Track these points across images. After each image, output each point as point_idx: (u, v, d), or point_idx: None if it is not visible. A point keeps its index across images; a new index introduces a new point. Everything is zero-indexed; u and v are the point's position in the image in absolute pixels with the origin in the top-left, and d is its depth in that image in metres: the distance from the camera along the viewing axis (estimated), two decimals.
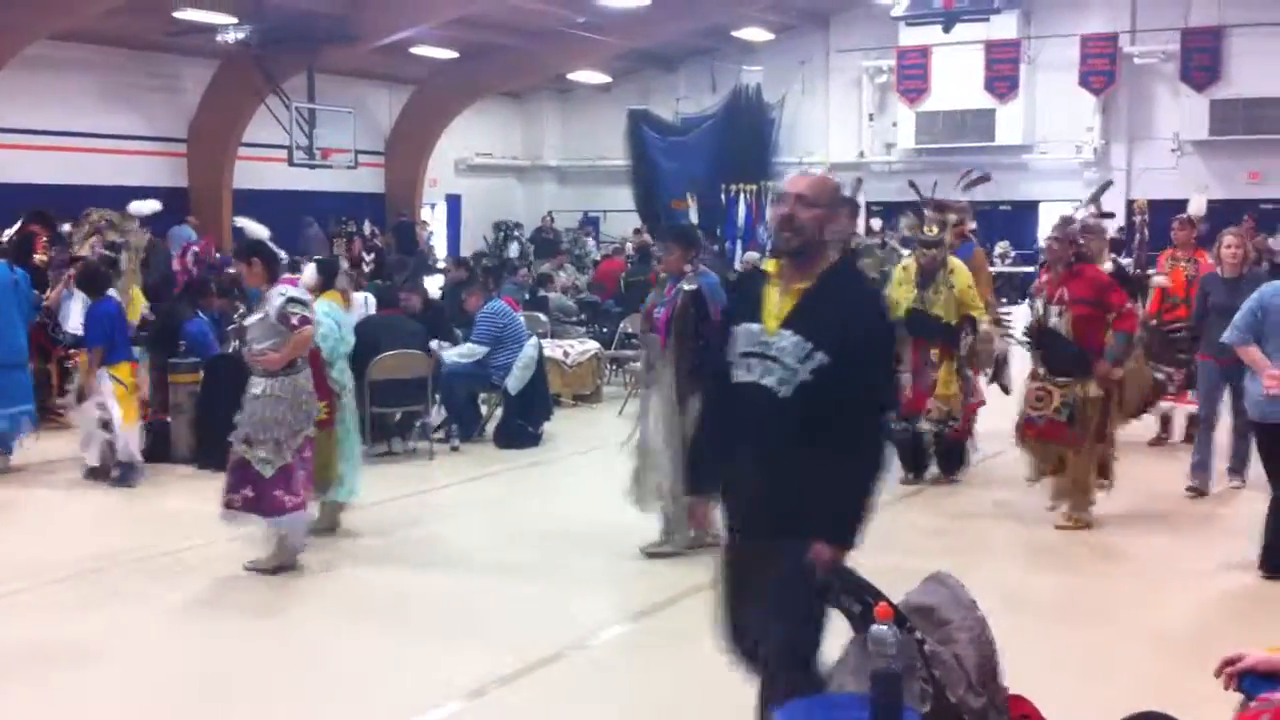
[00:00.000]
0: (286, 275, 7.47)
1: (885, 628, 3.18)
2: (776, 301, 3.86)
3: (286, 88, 22.44)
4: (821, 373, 3.74)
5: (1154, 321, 9.79)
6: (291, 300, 7.05)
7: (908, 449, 9.13)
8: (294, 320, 7.00)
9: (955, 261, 9.02)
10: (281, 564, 7.10)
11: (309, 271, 8.52)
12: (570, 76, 28.96)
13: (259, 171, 23.39)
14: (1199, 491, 8.71)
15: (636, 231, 27.09)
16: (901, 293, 8.94)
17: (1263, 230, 18.26)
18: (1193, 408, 9.59)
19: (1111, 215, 10.68)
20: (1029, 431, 8.07)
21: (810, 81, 28.40)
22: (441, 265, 20.63)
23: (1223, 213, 15.77)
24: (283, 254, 8.04)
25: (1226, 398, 8.79)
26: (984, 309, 9.05)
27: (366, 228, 21.48)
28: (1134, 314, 8.38)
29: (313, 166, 22.98)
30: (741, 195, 24.38)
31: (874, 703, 3.15)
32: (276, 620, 6.47)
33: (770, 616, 3.77)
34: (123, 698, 5.39)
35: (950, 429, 9.02)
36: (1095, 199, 9.61)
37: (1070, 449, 7.93)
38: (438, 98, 26.85)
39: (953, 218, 9.17)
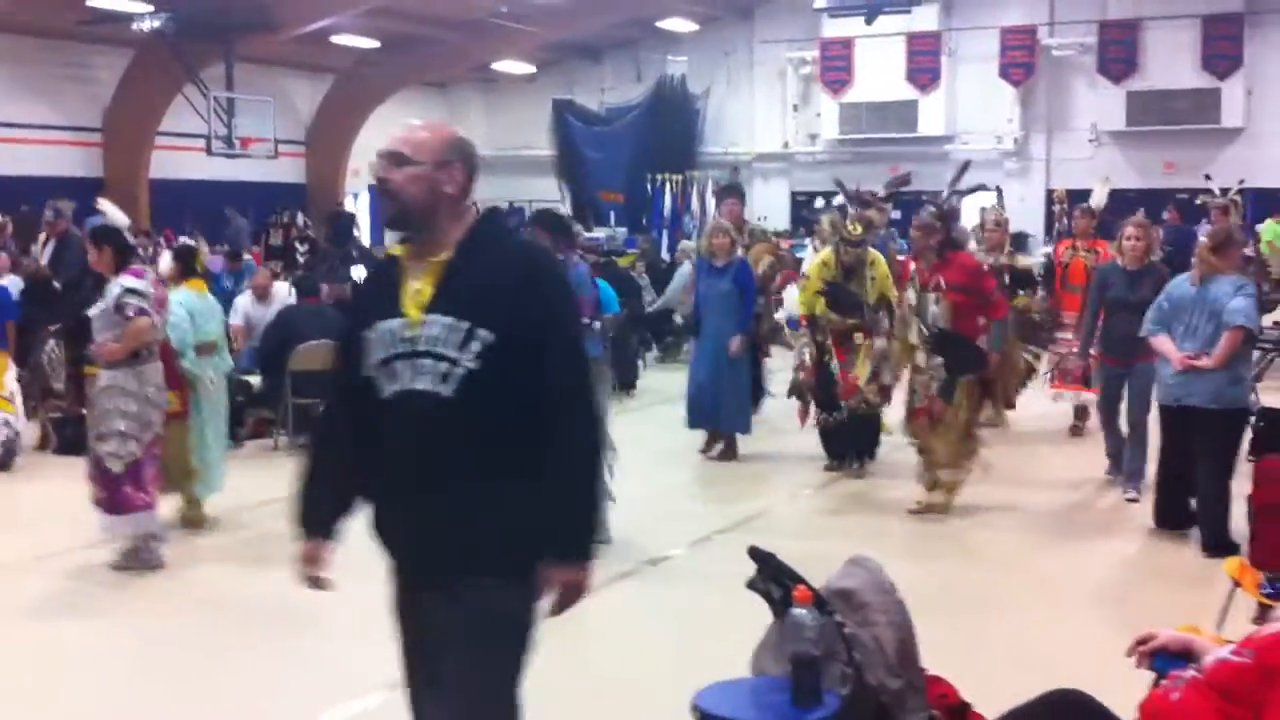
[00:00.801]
0: (134, 266, 7.17)
1: (804, 611, 3.19)
2: (414, 288, 3.16)
3: (205, 76, 22.09)
4: (490, 356, 3.06)
5: (1018, 304, 10.00)
6: (128, 291, 6.88)
7: (834, 436, 9.25)
8: (129, 311, 6.82)
9: (874, 253, 9.19)
10: (143, 562, 6.96)
11: (165, 259, 8.37)
12: (494, 67, 28.79)
13: (177, 161, 23.01)
14: (1136, 498, 8.27)
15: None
16: (814, 287, 9.18)
17: (1188, 221, 18.50)
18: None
19: (970, 191, 10.75)
20: (920, 416, 8.05)
21: (735, 72, 28.47)
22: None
23: (1139, 202, 15.99)
24: (198, 243, 7.90)
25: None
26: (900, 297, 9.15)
27: (300, 218, 21.20)
28: (1004, 300, 8.57)
29: (232, 156, 22.66)
30: (667, 185, 24.39)
31: (794, 685, 3.16)
32: (178, 621, 6.36)
33: (454, 688, 3.15)
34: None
35: (865, 409, 9.05)
36: (955, 182, 9.38)
37: (939, 423, 7.93)
38: (359, 87, 26.57)
39: (875, 217, 9.22)
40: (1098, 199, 10.80)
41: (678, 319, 14.87)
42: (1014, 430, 10.24)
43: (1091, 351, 8.84)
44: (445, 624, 3.15)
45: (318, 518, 3.33)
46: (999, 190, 12.64)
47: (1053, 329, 10.15)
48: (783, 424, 10.29)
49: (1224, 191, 10.15)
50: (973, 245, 10.57)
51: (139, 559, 6.97)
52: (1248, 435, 6.95)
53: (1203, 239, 8.44)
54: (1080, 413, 10.48)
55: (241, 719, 5.14)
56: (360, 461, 3.22)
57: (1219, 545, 6.84)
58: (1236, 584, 4.63)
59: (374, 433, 3.17)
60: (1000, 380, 8.66)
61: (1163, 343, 7.24)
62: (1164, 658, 3.07)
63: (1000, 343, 8.36)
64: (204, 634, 6.08)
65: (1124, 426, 8.55)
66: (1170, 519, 7.47)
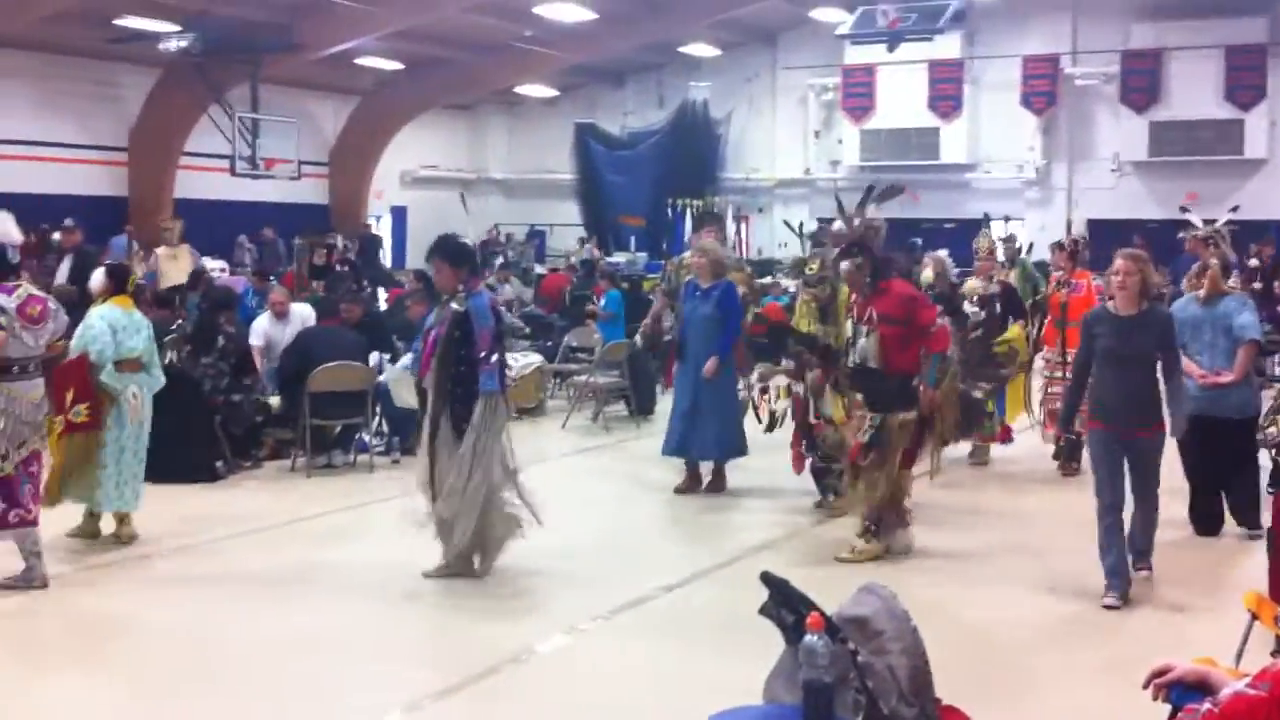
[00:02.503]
0: (4, 284, 7.03)
1: (817, 638, 3.16)
2: None
3: (230, 97, 22.23)
4: None
5: (973, 335, 9.40)
6: None
7: (823, 473, 8.81)
8: None
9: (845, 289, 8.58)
10: (25, 581, 6.86)
11: (97, 276, 8.37)
12: (517, 90, 28.92)
13: (201, 181, 23.15)
14: (1116, 604, 6.75)
15: (582, 241, 27.15)
16: (803, 325, 8.81)
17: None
18: None
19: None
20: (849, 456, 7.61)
21: (757, 98, 28.53)
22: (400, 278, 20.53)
23: (1161, 233, 15.96)
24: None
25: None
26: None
27: (339, 241, 21.29)
28: (946, 332, 7.75)
29: (255, 177, 22.77)
30: (688, 210, 24.43)
31: (806, 713, 3.13)
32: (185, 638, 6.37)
33: None
34: None
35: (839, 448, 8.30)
36: (863, 204, 8.55)
37: (863, 471, 7.44)
38: (383, 109, 26.71)
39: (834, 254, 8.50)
40: (1076, 231, 10.73)
41: None
42: (1000, 469, 10.07)
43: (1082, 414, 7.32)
44: None
45: None
46: (986, 216, 12.45)
47: (1008, 364, 9.63)
48: (763, 458, 9.71)
49: (1208, 223, 10.12)
50: (1013, 275, 10.53)
51: (23, 578, 6.88)
52: (1267, 466, 6.99)
53: (1213, 263, 8.35)
54: (1069, 448, 9.94)
55: None
56: None
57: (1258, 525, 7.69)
58: (1254, 617, 4.58)
59: None
60: (939, 420, 7.86)
61: (1185, 364, 7.53)
62: (1180, 690, 3.04)
63: (936, 378, 7.56)
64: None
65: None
66: (1207, 524, 8.13)
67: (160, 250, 15.49)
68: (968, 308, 9.78)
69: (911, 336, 7.41)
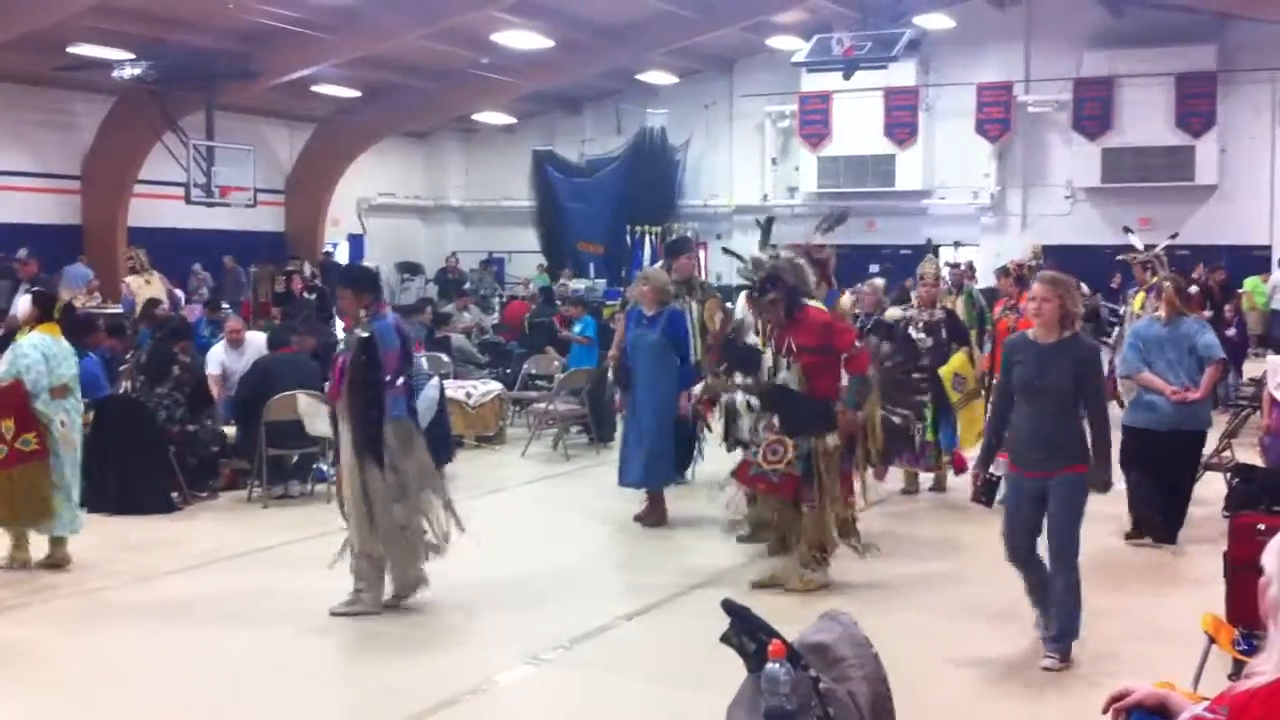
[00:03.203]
0: None
1: (778, 665, 3.16)
2: None
3: (185, 124, 22.13)
4: None
5: (888, 362, 8.98)
6: None
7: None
8: None
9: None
10: None
11: (24, 303, 8.37)
12: (474, 117, 28.92)
13: (155, 209, 23.01)
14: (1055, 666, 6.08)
15: (541, 269, 27.15)
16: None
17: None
18: None
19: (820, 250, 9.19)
20: (759, 484, 7.43)
21: (714, 125, 28.66)
22: None
23: (1115, 259, 16.09)
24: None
25: None
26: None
27: (306, 268, 21.20)
28: (865, 355, 7.63)
29: (210, 205, 22.66)
30: (647, 237, 24.48)
31: None
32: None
33: None
34: None
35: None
36: (822, 230, 8.83)
37: (804, 505, 7.29)
38: (339, 137, 26.65)
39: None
40: (1021, 256, 10.64)
41: None
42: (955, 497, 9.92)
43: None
44: None
45: None
46: (929, 242, 12.48)
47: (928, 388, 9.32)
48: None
49: (1148, 248, 10.31)
50: (959, 303, 10.51)
51: None
52: (1223, 491, 7.12)
53: (1167, 285, 8.73)
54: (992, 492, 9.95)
55: None
56: None
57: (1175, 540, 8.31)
58: (1212, 640, 4.62)
59: None
60: (862, 444, 7.69)
61: (1148, 379, 8.27)
62: (1140, 714, 3.05)
63: (855, 399, 7.42)
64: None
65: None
66: (1143, 529, 8.49)
67: (130, 279, 15.67)
68: (914, 334, 9.64)
69: (832, 363, 7.35)
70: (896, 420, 8.17)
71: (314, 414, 9.59)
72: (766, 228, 8.49)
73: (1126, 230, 11.41)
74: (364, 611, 6.92)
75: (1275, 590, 2.81)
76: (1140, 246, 10.09)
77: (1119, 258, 10.10)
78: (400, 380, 6.93)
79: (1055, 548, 6.01)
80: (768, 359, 7.46)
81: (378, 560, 6.95)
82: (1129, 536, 8.55)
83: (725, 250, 9.45)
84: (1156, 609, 7.15)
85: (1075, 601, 6.05)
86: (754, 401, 7.71)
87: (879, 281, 11.13)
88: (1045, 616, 6.15)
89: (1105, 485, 6.11)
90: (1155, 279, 13.04)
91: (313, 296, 18.86)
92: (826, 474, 7.26)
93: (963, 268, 17.08)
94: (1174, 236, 13.07)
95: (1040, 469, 5.95)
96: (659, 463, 9.26)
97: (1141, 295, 13.39)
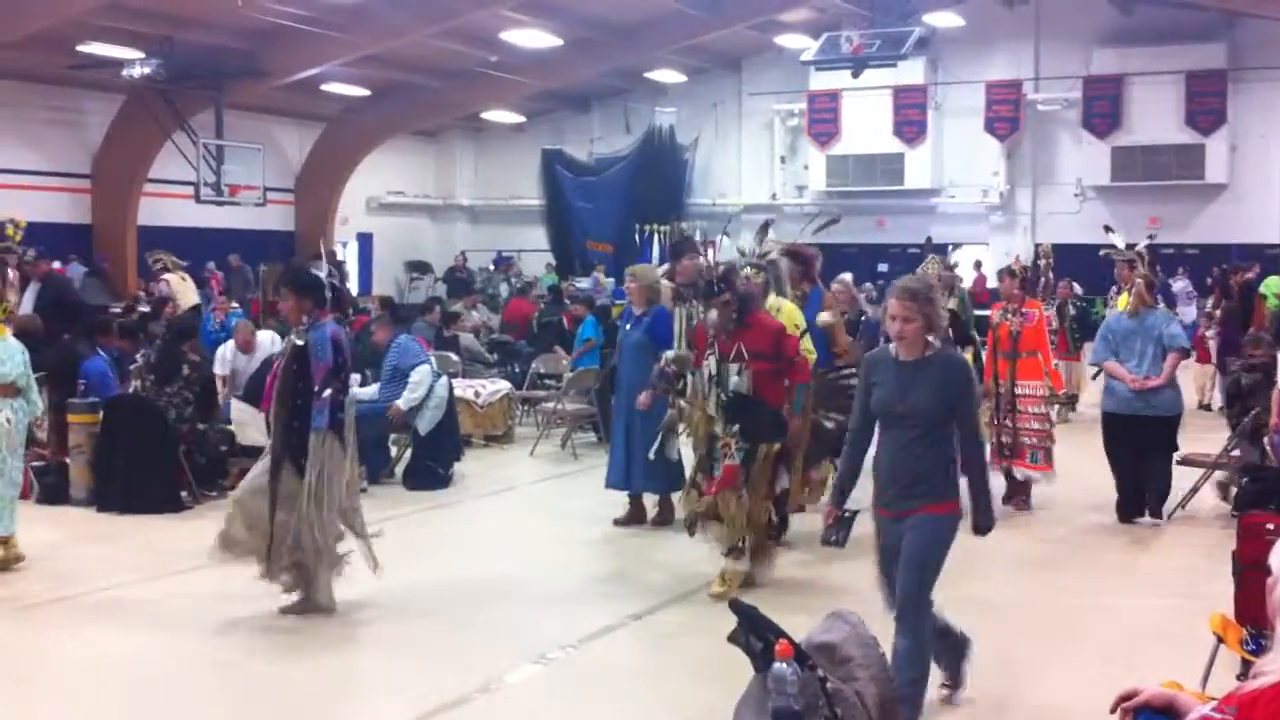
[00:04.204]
0: None
1: (785, 665, 3.16)
2: None
3: (194, 123, 22.20)
4: None
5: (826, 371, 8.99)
6: None
7: None
8: None
9: (782, 303, 8.26)
10: None
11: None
12: (484, 116, 28.97)
13: (165, 208, 23.08)
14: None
15: (550, 267, 27.17)
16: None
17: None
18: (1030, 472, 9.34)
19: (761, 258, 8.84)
20: (711, 489, 7.20)
21: (723, 123, 28.68)
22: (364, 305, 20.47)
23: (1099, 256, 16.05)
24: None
25: None
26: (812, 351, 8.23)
27: (325, 265, 21.20)
28: (806, 363, 7.51)
29: (220, 203, 22.72)
30: (655, 235, 24.49)
31: None
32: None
33: None
34: None
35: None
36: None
37: (738, 491, 7.08)
38: (349, 135, 26.70)
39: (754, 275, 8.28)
40: (1025, 258, 10.53)
41: None
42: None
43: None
44: None
45: None
46: (929, 240, 12.40)
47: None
48: None
49: (1130, 246, 10.32)
50: (952, 302, 10.38)
51: None
52: (1232, 491, 7.14)
53: (1139, 281, 9.22)
54: (1018, 485, 9.55)
55: None
56: None
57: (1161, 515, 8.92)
58: (1220, 640, 4.62)
59: None
60: (798, 450, 7.57)
61: (1115, 367, 8.96)
62: (1148, 714, 3.05)
63: (801, 407, 7.30)
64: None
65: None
66: (1132, 512, 9.00)
67: (168, 276, 16.27)
68: None
69: (782, 369, 7.19)
70: (829, 425, 8.01)
71: (245, 422, 9.46)
72: (762, 230, 8.53)
73: (1107, 229, 11.36)
74: (313, 609, 6.82)
75: None
76: (1121, 245, 10.05)
77: (1101, 252, 10.03)
78: (327, 392, 6.68)
79: (900, 601, 4.99)
80: (711, 366, 7.19)
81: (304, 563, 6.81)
82: (1121, 518, 9.05)
83: (740, 251, 9.22)
84: (1163, 608, 7.15)
85: (920, 673, 4.98)
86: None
87: (847, 277, 10.97)
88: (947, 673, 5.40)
89: (983, 527, 5.20)
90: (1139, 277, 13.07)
91: (331, 295, 18.86)
92: (758, 474, 7.11)
93: (955, 269, 17.02)
94: (1152, 237, 13.24)
95: (898, 507, 5.06)
96: (644, 466, 8.76)
97: (1125, 296, 13.37)
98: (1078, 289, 15.61)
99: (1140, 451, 8.98)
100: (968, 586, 7.67)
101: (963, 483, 5.10)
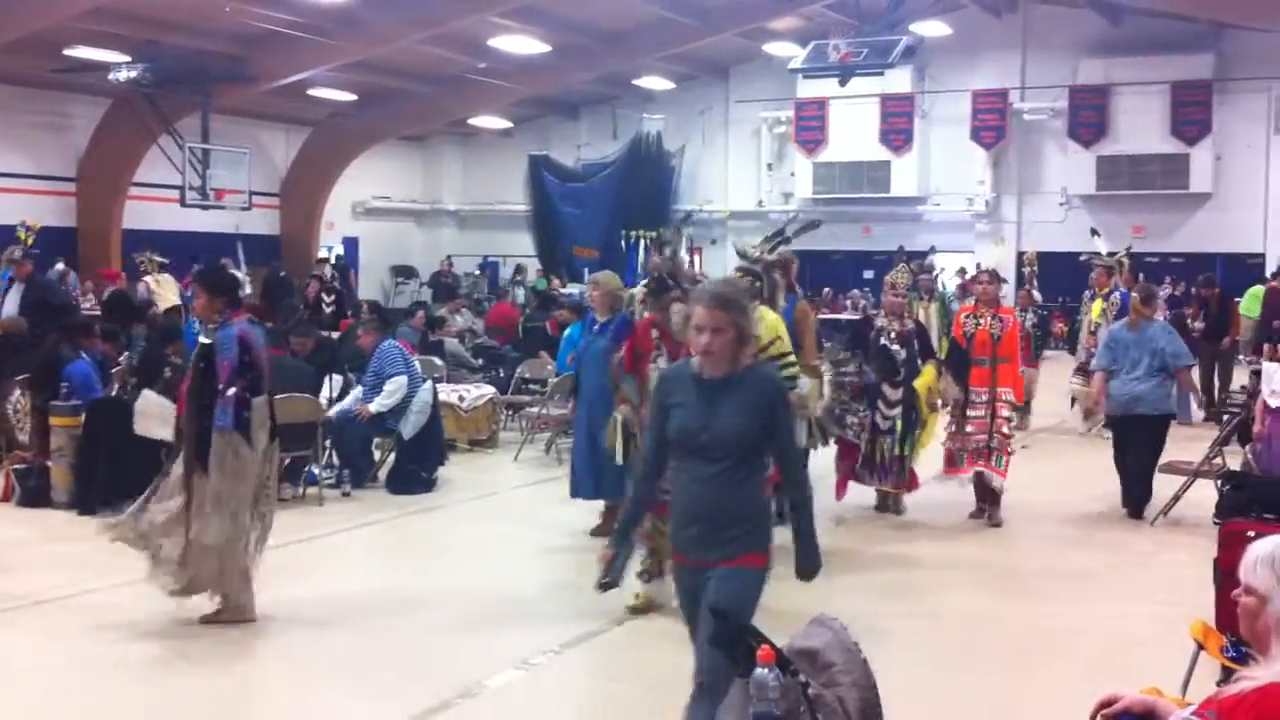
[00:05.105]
0: None
1: (767, 671, 3.15)
2: None
3: (180, 127, 22.15)
4: None
5: (844, 369, 9.14)
6: None
7: None
8: None
9: (763, 310, 7.72)
10: None
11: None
12: (471, 121, 28.97)
13: (150, 211, 23.02)
14: None
15: (538, 273, 27.15)
16: None
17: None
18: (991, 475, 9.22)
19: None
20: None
21: (710, 130, 28.72)
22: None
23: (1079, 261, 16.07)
24: None
25: None
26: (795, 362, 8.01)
27: (327, 270, 21.15)
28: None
29: (205, 207, 22.67)
30: (641, 241, 24.47)
31: None
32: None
33: None
34: None
35: None
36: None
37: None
38: (335, 140, 26.68)
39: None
40: (994, 261, 10.62)
41: None
42: (902, 522, 9.59)
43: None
44: None
45: None
46: (901, 248, 12.39)
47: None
48: None
49: (1111, 254, 10.48)
50: (934, 308, 10.35)
51: None
52: (1214, 499, 7.14)
53: (1134, 295, 9.92)
54: (984, 491, 9.39)
55: None
56: None
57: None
58: (1200, 647, 4.62)
59: None
60: None
61: (1098, 379, 9.74)
62: (1128, 719, 3.06)
63: None
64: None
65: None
66: (1139, 507, 9.49)
67: (148, 279, 16.58)
68: (885, 343, 9.32)
69: None
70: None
71: (148, 414, 9.22)
72: (774, 236, 8.50)
73: (1094, 233, 11.49)
74: (234, 619, 6.72)
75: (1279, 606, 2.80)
76: (1105, 251, 10.19)
77: (1082, 258, 10.16)
78: (232, 390, 6.58)
79: (704, 674, 4.07)
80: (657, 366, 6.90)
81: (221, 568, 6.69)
82: (1130, 514, 9.55)
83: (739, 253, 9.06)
84: (1145, 615, 7.16)
85: None
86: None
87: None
88: None
89: (809, 568, 4.42)
90: (1114, 281, 13.23)
91: (330, 298, 18.76)
92: None
93: (935, 274, 17.01)
94: (1129, 248, 13.55)
95: (698, 554, 4.25)
96: (615, 473, 8.29)
97: (1100, 303, 13.44)
98: (1037, 296, 15.52)
99: (1138, 448, 9.50)
100: (943, 598, 7.70)
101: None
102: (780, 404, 4.38)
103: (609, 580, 4.52)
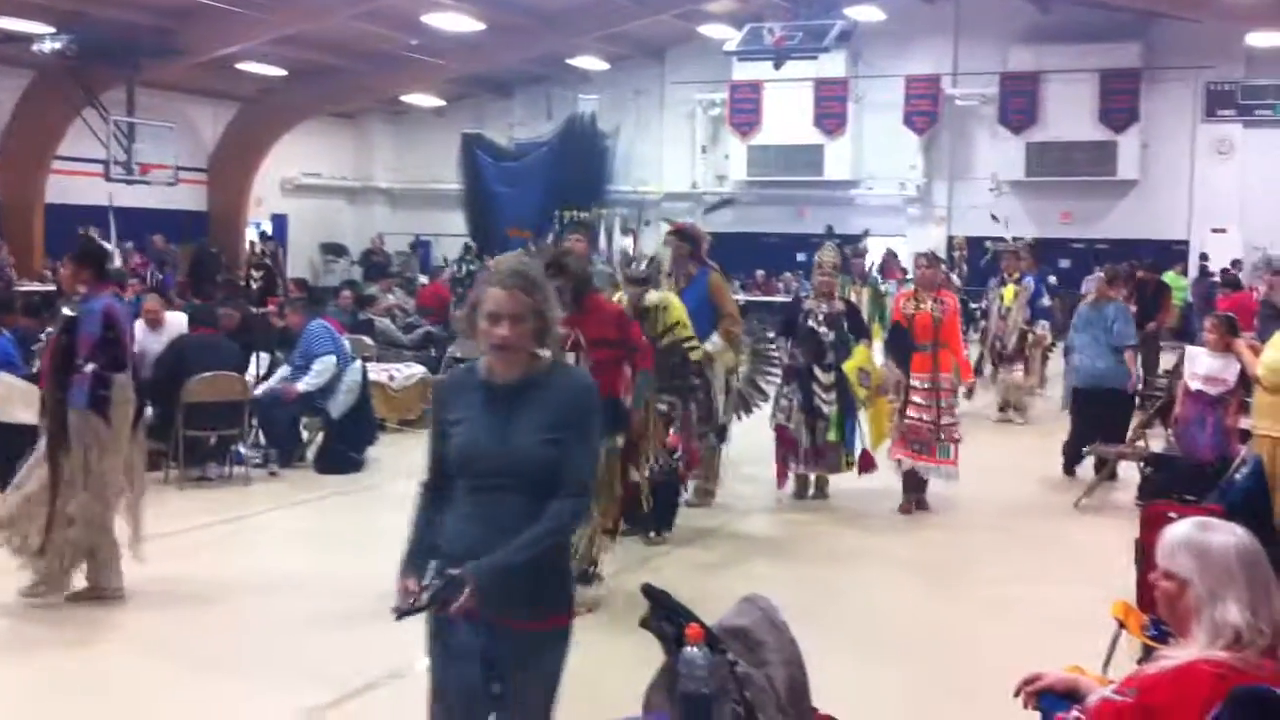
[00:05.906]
0: None
1: (696, 649, 3.15)
2: None
3: (105, 100, 21.72)
4: None
5: (759, 346, 9.30)
6: None
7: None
8: None
9: (665, 296, 7.97)
10: None
11: None
12: (404, 99, 28.69)
13: (74, 186, 22.56)
14: None
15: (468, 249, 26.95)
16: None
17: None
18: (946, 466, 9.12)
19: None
20: None
21: (645, 112, 28.66)
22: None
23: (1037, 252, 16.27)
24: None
25: None
26: (698, 346, 8.05)
27: (257, 245, 20.80)
28: (651, 349, 7.05)
29: (130, 182, 22.25)
30: (575, 222, 24.36)
31: None
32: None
33: None
34: None
35: (657, 474, 7.36)
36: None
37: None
38: (265, 116, 26.30)
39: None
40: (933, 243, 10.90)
41: None
42: (839, 508, 9.49)
43: None
44: None
45: None
46: (830, 229, 12.47)
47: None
48: None
49: (1017, 239, 10.87)
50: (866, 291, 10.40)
51: None
52: (1136, 478, 7.31)
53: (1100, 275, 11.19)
54: (914, 483, 9.25)
55: None
56: None
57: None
58: (1121, 626, 4.68)
59: None
60: (644, 442, 7.04)
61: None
62: (1050, 698, 3.10)
63: (642, 398, 6.84)
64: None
65: None
66: (1073, 468, 10.59)
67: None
68: (815, 326, 9.19)
69: (622, 357, 6.59)
70: (662, 407, 7.48)
71: (8, 397, 9.01)
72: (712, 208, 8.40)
73: (994, 218, 11.73)
74: (100, 596, 6.64)
75: (1201, 590, 2.84)
76: (1009, 238, 10.51)
77: (986, 244, 10.41)
78: (89, 366, 6.39)
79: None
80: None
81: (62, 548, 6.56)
82: (1066, 471, 10.60)
83: (666, 221, 9.03)
84: (1067, 595, 7.25)
85: None
86: None
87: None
88: None
89: (475, 574, 3.28)
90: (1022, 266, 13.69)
91: (259, 274, 18.51)
92: (604, 474, 6.41)
93: (866, 258, 17.14)
94: (1018, 238, 14.32)
95: (490, 608, 3.30)
96: None
97: (1011, 288, 13.69)
98: (956, 280, 15.56)
99: (1099, 418, 10.35)
100: (870, 584, 7.77)
101: None
102: (592, 412, 3.50)
103: (416, 606, 3.43)
